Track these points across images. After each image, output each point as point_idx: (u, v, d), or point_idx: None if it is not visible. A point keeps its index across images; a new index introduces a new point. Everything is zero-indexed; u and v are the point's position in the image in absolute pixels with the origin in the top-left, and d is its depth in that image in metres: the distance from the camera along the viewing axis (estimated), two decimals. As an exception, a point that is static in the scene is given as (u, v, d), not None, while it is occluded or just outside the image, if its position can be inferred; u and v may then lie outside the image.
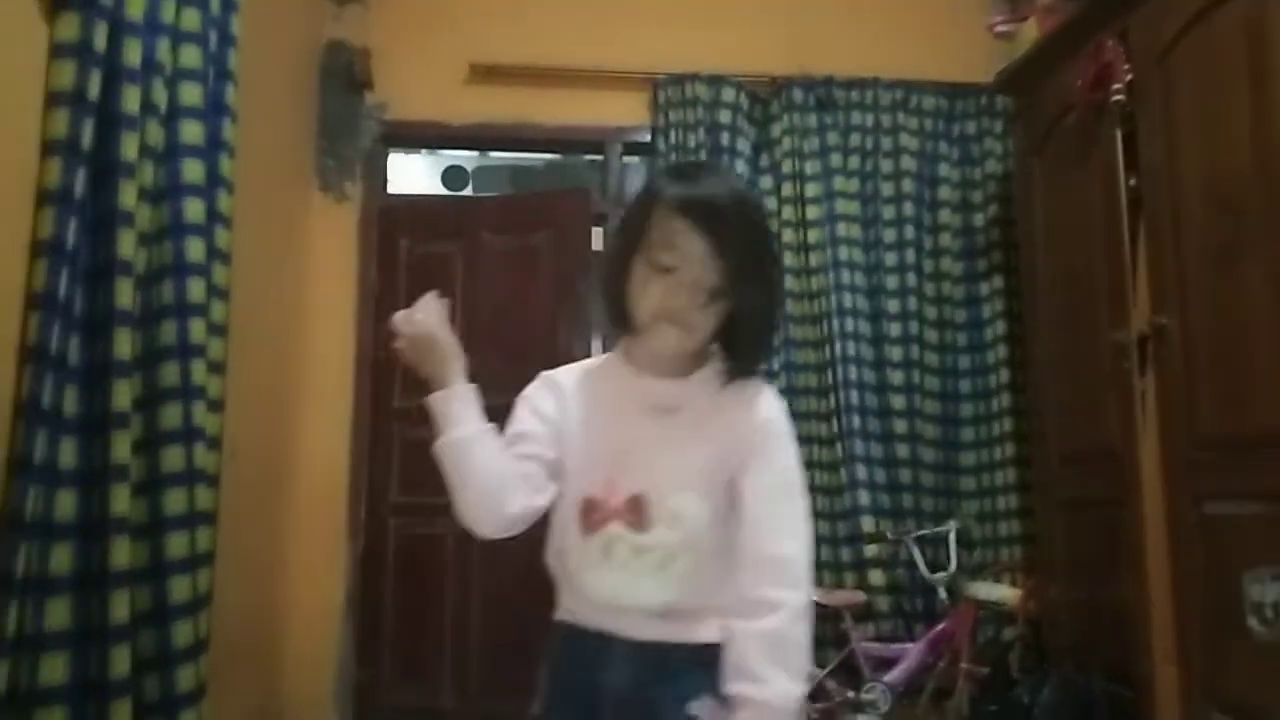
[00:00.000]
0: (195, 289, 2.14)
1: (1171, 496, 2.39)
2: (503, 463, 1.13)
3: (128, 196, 1.91)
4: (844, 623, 3.28)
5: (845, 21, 3.83)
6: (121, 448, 1.89)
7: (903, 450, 3.60)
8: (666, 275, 1.12)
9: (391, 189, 3.87)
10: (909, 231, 3.72)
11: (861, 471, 3.51)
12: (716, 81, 3.69)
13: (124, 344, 1.90)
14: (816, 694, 3.24)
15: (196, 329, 2.15)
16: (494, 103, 3.68)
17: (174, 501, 2.07)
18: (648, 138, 3.74)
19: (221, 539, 2.37)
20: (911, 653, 3.25)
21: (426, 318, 1.17)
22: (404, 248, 3.61)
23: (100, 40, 1.82)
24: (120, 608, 1.86)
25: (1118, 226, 2.59)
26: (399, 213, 3.72)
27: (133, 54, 1.91)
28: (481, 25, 3.72)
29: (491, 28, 3.72)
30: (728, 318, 1.14)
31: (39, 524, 1.72)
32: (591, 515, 1.11)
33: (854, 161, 3.74)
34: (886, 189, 3.74)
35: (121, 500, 1.88)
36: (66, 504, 1.79)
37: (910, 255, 3.71)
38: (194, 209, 2.15)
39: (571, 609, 1.16)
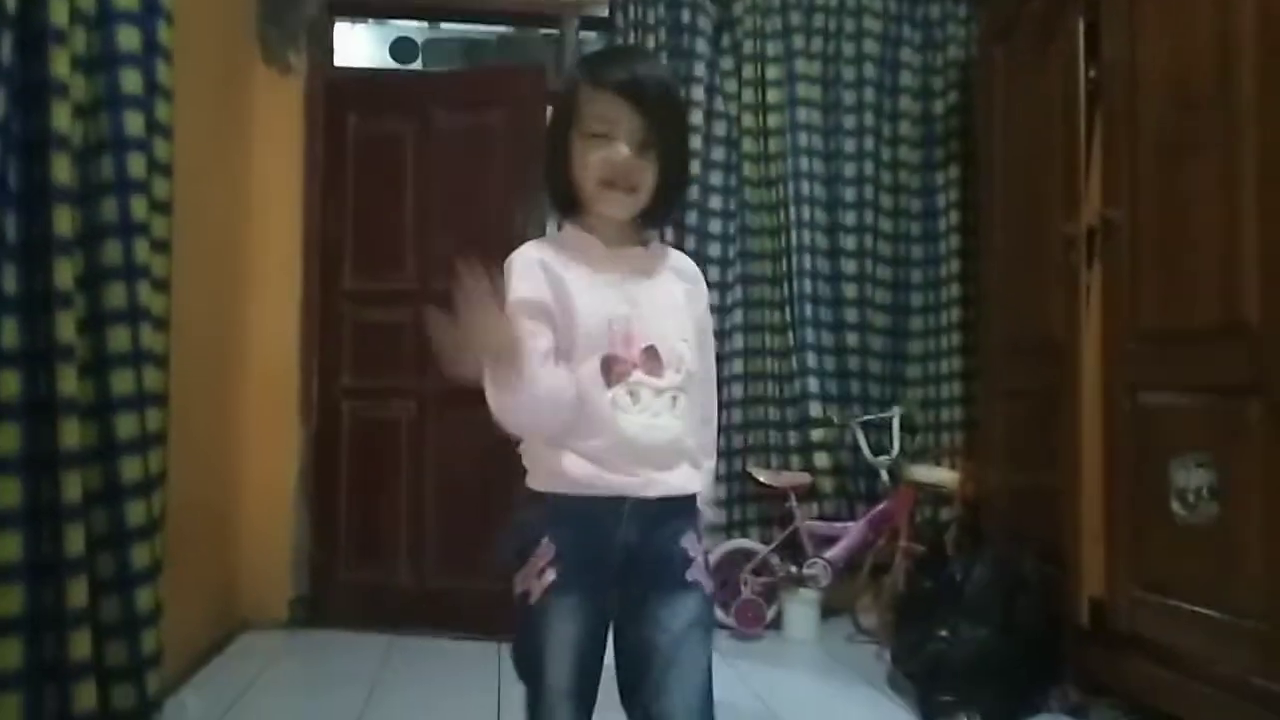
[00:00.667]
0: (135, 164, 2.07)
1: (1109, 386, 2.47)
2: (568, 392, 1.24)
3: (60, 65, 1.82)
4: (789, 502, 3.39)
5: (812, -106, 3.70)
6: (66, 327, 1.85)
7: (852, 339, 3.66)
8: (600, 141, 1.24)
9: (338, 61, 3.73)
10: (869, 118, 3.68)
11: (811, 359, 3.56)
12: (678, -45, 3.57)
13: (64, 221, 1.84)
14: (761, 569, 3.37)
15: (138, 206, 2.09)
16: (445, -29, 3.53)
17: (122, 382, 2.05)
18: (605, 13, 3.62)
19: (172, 420, 2.36)
20: (852, 531, 3.38)
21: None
22: (352, 124, 3.50)
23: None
24: (72, 488, 1.86)
25: (1074, 118, 2.59)
26: (346, 87, 3.59)
27: (58, -91, 1.79)
28: (431, -114, 3.53)
29: (442, -111, 3.53)
30: (659, 176, 1.27)
31: (-16, 404, 1.70)
32: (614, 368, 1.24)
33: (816, 44, 3.67)
34: (848, 73, 3.68)
35: (69, 381, 1.86)
36: (11, 384, 1.76)
37: (869, 142, 3.68)
38: (131, 80, 2.05)
39: (581, 478, 1.24)
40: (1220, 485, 2.08)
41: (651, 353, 1.26)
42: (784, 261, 3.58)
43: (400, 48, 4.58)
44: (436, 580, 3.31)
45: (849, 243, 3.67)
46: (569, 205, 1.32)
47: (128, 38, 2.05)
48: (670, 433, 1.26)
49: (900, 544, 3.26)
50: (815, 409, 3.54)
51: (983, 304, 3.30)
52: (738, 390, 3.59)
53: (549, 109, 3.51)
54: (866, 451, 3.44)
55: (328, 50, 3.63)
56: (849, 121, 3.68)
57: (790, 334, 3.57)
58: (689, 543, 1.30)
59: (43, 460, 1.84)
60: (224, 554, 3.20)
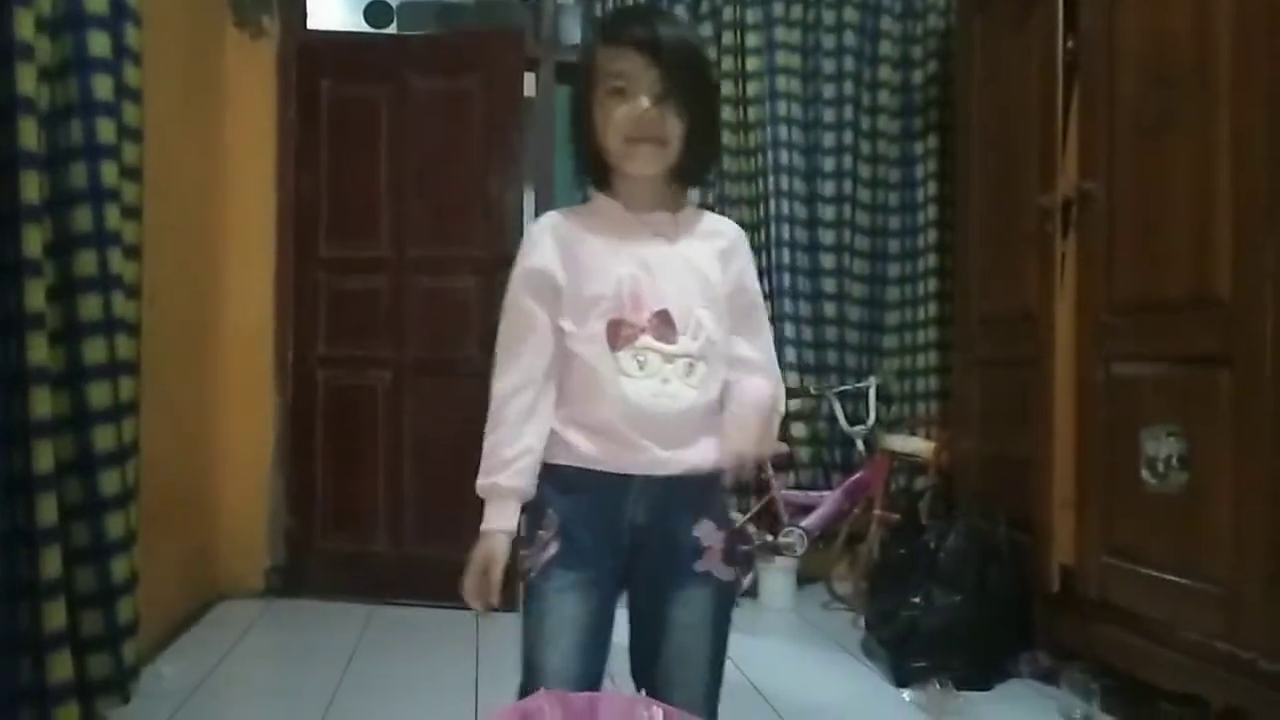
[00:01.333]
0: (105, 129, 2.03)
1: (1082, 357, 2.49)
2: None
3: (25, 27, 1.78)
4: (766, 472, 3.41)
5: None
6: (35, 295, 1.83)
7: (830, 309, 3.67)
8: (620, 97, 1.20)
9: (311, 25, 3.66)
10: (848, 87, 3.67)
11: (789, 329, 3.57)
12: (657, -81, 3.52)
13: (31, 187, 1.81)
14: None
15: (108, 172, 2.05)
16: (420, -67, 3.47)
17: (93, 350, 2.03)
18: (584, -21, 3.58)
19: (146, 388, 2.34)
20: (828, 500, 3.41)
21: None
22: (326, 89, 3.45)
23: None
24: (44, 458, 1.84)
25: (1052, 90, 2.59)
26: (320, 50, 3.53)
27: None
28: None
29: None
30: (686, 127, 1.21)
31: (-47, 374, 1.67)
32: (621, 333, 1.20)
33: (795, 11, 3.65)
34: (827, 42, 3.66)
35: (39, 349, 1.83)
36: (-19, 353, 1.74)
37: (848, 112, 3.68)
38: (99, 42, 2.01)
39: (588, 453, 1.20)
40: (1189, 454, 2.11)
41: (664, 317, 1.20)
42: (762, 231, 3.57)
43: (375, 11, 4.51)
44: (414, 549, 3.31)
45: (827, 213, 3.66)
46: (599, 170, 1.27)
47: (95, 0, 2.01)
48: (683, 401, 1.20)
49: (875, 513, 3.29)
50: (792, 379, 3.55)
51: (959, 275, 3.32)
52: (715, 360, 3.58)
53: (526, 74, 3.51)
54: (843, 421, 3.46)
55: (301, 13, 3.56)
56: (828, 91, 3.67)
57: (768, 304, 3.57)
58: (703, 530, 1.23)
59: (14, 430, 1.82)
60: (200, 523, 3.18)
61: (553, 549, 1.21)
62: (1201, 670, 2.07)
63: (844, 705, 2.50)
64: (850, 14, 3.66)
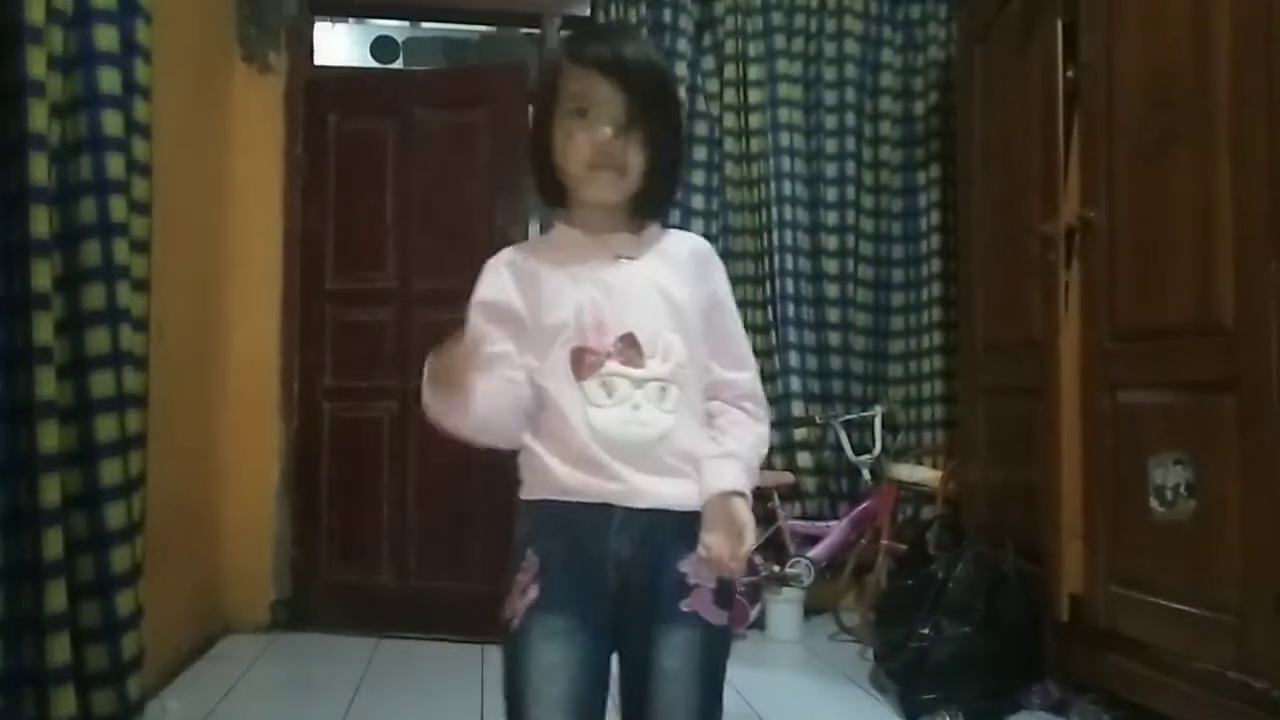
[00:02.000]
0: (114, 164, 2.05)
1: (1087, 385, 2.49)
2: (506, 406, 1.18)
3: (36, 64, 1.80)
4: (772, 502, 3.39)
5: (793, -105, 3.71)
6: (44, 329, 1.84)
7: (834, 338, 3.67)
8: (583, 120, 1.16)
9: (318, 61, 3.71)
10: (850, 118, 3.70)
11: (794, 359, 3.58)
12: (659, -45, 3.57)
13: (41, 222, 1.83)
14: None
15: (117, 206, 2.07)
16: (426, -30, 3.51)
17: (101, 384, 2.03)
18: (587, 12, 3.62)
19: (152, 421, 2.34)
20: (835, 530, 3.39)
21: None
22: (332, 123, 3.48)
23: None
24: (51, 491, 1.84)
25: (1053, 118, 2.61)
26: (327, 86, 3.57)
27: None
28: (412, -115, 3.52)
29: (423, -112, 3.52)
30: (649, 157, 1.18)
31: (-39, 407, 1.68)
32: (585, 360, 1.15)
33: (798, 44, 3.69)
34: (829, 73, 3.70)
35: (47, 383, 1.84)
36: (-11, 387, 1.74)
37: (850, 143, 3.70)
38: (109, 79, 2.04)
39: (564, 483, 1.15)
40: (1197, 482, 2.10)
41: (629, 340, 1.15)
42: (766, 261, 3.59)
43: (381, 47, 4.56)
44: (420, 581, 3.29)
45: (830, 242, 3.68)
46: (555, 193, 1.23)
47: (105, 36, 2.03)
48: (656, 428, 1.14)
49: (882, 543, 3.28)
50: (797, 408, 3.55)
51: (963, 303, 3.32)
52: (720, 390, 3.59)
53: (530, 108, 3.52)
54: (848, 450, 3.45)
55: (308, 49, 3.61)
56: (830, 121, 3.70)
57: (772, 333, 3.58)
58: (690, 566, 1.14)
59: (21, 463, 1.82)
60: (205, 556, 3.17)
61: (532, 593, 1.14)
62: (1213, 701, 2.04)
63: (853, 738, 2.47)
64: (851, 47, 3.70)
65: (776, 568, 3.35)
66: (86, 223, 2.01)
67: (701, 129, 3.64)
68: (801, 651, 3.23)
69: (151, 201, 2.30)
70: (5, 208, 1.80)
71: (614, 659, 1.17)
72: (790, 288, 3.60)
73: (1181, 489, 2.14)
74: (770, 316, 3.58)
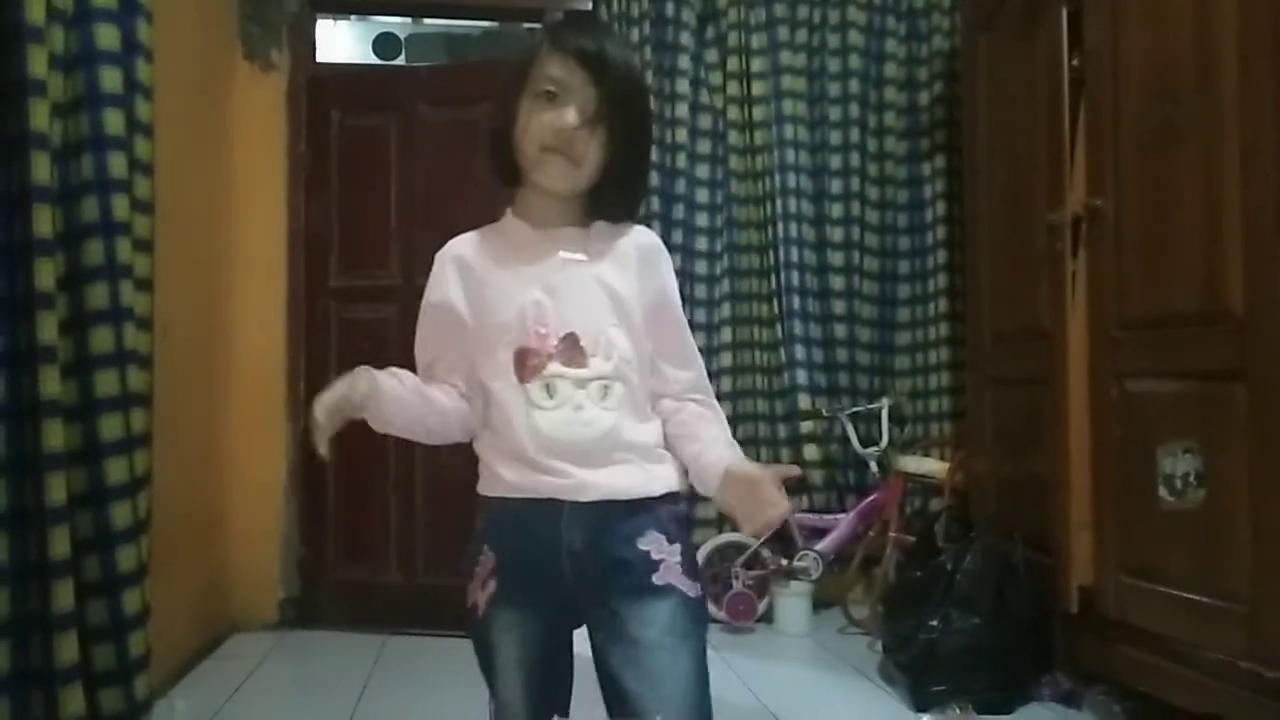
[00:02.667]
0: (116, 163, 2.05)
1: (1095, 374, 2.47)
2: (434, 408, 1.23)
3: (38, 64, 1.80)
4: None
5: (794, -114, 3.69)
6: (48, 328, 1.84)
7: (840, 330, 3.66)
8: (548, 104, 1.16)
9: (320, 58, 3.70)
10: (854, 110, 3.69)
11: (800, 351, 3.57)
12: (661, -52, 3.56)
13: (44, 221, 1.83)
14: (752, 562, 3.37)
15: (120, 205, 2.07)
16: (427, -34, 3.50)
17: (105, 383, 2.03)
18: (589, 6, 3.61)
19: (157, 420, 2.34)
20: (843, 523, 3.38)
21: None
22: (335, 120, 3.48)
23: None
24: (57, 490, 1.84)
25: (1058, 107, 2.59)
26: (329, 83, 3.56)
27: (33, -95, 1.77)
28: (412, -120, 3.51)
29: (423, -117, 3.51)
30: (609, 156, 1.17)
31: (-35, 407, 1.68)
32: (528, 362, 1.16)
33: (801, 36, 3.67)
34: (833, 65, 3.68)
35: (51, 382, 1.84)
36: (-7, 386, 1.74)
37: (854, 134, 3.68)
38: (111, 78, 2.03)
39: (512, 481, 1.17)
40: (1207, 471, 2.09)
41: (571, 341, 1.16)
42: (771, 254, 3.58)
43: (383, 43, 4.55)
44: (427, 579, 3.30)
45: (836, 235, 3.67)
46: (508, 171, 1.23)
47: (106, 35, 2.03)
48: (598, 426, 1.15)
49: (890, 535, 3.27)
50: (804, 401, 3.54)
51: (970, 294, 3.31)
52: (726, 383, 3.58)
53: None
54: (856, 443, 3.44)
55: (310, 46, 3.60)
56: (834, 113, 3.68)
57: (778, 326, 3.57)
58: (651, 543, 1.17)
59: (26, 463, 1.82)
60: (212, 555, 3.18)
61: (491, 586, 1.19)
62: (1224, 690, 2.03)
63: (862, 731, 2.47)
64: (855, 37, 3.68)
65: (784, 561, 3.35)
66: (89, 222, 2.00)
67: (705, 122, 3.63)
68: (810, 645, 3.22)
69: (154, 200, 2.29)
70: (8, 207, 1.80)
71: (588, 650, 1.20)
72: (796, 280, 3.58)
73: (1191, 478, 2.13)
74: (776, 309, 3.57)
